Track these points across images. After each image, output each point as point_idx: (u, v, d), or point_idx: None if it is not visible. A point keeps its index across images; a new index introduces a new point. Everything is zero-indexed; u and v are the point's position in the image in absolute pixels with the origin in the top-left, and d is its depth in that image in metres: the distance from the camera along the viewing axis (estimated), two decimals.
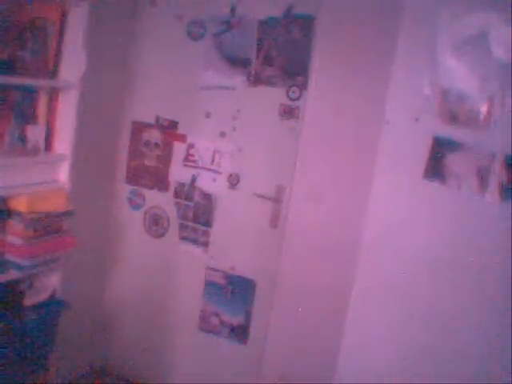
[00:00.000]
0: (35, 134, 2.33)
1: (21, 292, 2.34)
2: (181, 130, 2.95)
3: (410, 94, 2.33)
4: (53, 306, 2.42)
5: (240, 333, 2.89)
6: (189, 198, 2.95)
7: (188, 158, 2.94)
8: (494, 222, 2.19)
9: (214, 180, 2.87)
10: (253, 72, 2.75)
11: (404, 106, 2.34)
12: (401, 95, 2.34)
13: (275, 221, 2.74)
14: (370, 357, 2.45)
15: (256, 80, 2.75)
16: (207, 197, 2.91)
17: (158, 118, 2.99)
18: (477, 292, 2.23)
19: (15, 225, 2.22)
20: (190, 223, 2.96)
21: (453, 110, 2.25)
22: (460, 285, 2.26)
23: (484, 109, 2.19)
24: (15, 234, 2.22)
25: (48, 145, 2.39)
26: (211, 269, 2.93)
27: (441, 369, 2.31)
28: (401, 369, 2.39)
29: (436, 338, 2.32)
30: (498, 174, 2.16)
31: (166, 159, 3.00)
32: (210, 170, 2.88)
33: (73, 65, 2.35)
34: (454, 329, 2.29)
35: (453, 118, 2.25)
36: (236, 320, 2.90)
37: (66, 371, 2.84)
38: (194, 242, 2.95)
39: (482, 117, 2.19)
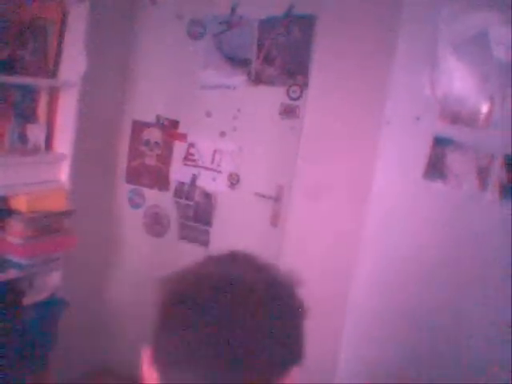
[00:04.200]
0: (35, 133, 2.33)
1: (21, 291, 2.34)
2: (181, 130, 2.95)
3: (410, 93, 2.32)
4: (53, 305, 2.41)
5: None
6: (189, 197, 2.95)
7: (188, 158, 2.94)
8: (494, 221, 2.19)
9: (214, 179, 2.87)
10: (253, 71, 2.75)
11: (404, 106, 2.34)
12: (401, 95, 2.34)
13: (276, 220, 2.74)
14: (370, 356, 2.45)
15: (256, 79, 2.75)
16: (207, 196, 2.90)
17: (158, 118, 2.99)
18: (477, 291, 2.22)
19: (15, 224, 2.22)
20: (190, 222, 2.96)
21: (453, 109, 2.25)
22: (460, 284, 2.26)
23: (484, 109, 2.18)
24: (15, 234, 2.22)
25: (48, 144, 2.39)
26: None
27: (441, 369, 2.31)
28: (400, 368, 2.39)
29: (436, 338, 2.31)
30: (498, 174, 2.16)
31: (166, 158, 3.00)
32: (210, 169, 2.88)
33: (73, 64, 2.35)
34: (453, 328, 2.28)
35: (453, 118, 2.25)
36: None
37: (65, 371, 2.84)
38: (194, 241, 2.95)
39: (482, 117, 2.19)
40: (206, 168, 2.89)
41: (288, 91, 2.68)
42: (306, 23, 2.61)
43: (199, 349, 0.80)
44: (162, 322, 0.85)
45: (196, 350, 0.80)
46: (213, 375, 0.80)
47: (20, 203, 2.22)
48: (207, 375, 0.80)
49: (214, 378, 0.80)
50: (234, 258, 0.94)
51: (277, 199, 2.73)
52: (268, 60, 2.72)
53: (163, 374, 0.84)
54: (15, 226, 2.22)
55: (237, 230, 2.84)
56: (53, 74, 2.36)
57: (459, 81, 2.23)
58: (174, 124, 2.96)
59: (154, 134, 3.01)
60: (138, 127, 3.05)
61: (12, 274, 2.24)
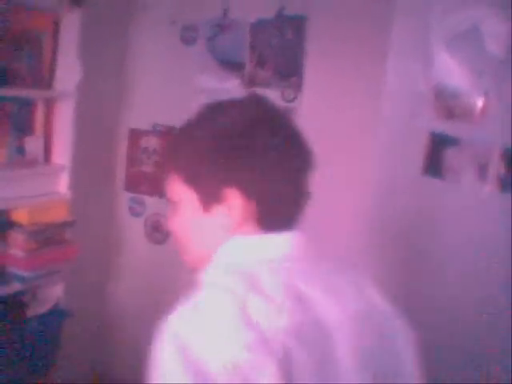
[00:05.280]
0: (33, 145, 2.32)
1: (24, 304, 2.33)
2: None
3: (405, 90, 2.33)
4: (56, 316, 2.40)
5: None
6: None
7: None
8: (493, 214, 2.19)
9: None
10: (247, 75, 2.75)
11: (400, 103, 2.34)
12: (396, 92, 2.34)
13: None
14: None
15: (250, 83, 2.75)
16: None
17: (154, 125, 2.99)
18: (477, 287, 2.21)
19: (17, 237, 2.21)
20: None
21: (448, 105, 2.25)
22: (459, 281, 2.25)
23: (479, 103, 2.19)
24: (17, 246, 2.21)
25: (47, 156, 2.39)
26: None
27: (440, 368, 2.29)
28: None
29: (435, 337, 2.30)
30: (496, 167, 2.17)
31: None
32: None
33: (68, 74, 2.34)
34: (453, 327, 2.27)
35: (449, 113, 2.25)
36: None
37: (68, 381, 2.83)
38: None
39: (477, 111, 2.20)
40: None
41: (283, 93, 2.68)
42: (298, 24, 2.61)
43: (282, 154, 1.09)
44: (244, 148, 1.06)
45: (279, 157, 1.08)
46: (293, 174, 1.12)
47: (21, 216, 2.21)
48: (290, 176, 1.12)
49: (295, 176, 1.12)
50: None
51: None
52: (261, 63, 2.72)
53: (260, 193, 1.08)
54: (17, 239, 2.21)
55: None
56: (48, 84, 2.36)
57: (453, 76, 2.24)
58: (171, 130, 2.95)
59: (152, 142, 3.01)
60: (136, 135, 3.04)
61: (15, 287, 2.23)
